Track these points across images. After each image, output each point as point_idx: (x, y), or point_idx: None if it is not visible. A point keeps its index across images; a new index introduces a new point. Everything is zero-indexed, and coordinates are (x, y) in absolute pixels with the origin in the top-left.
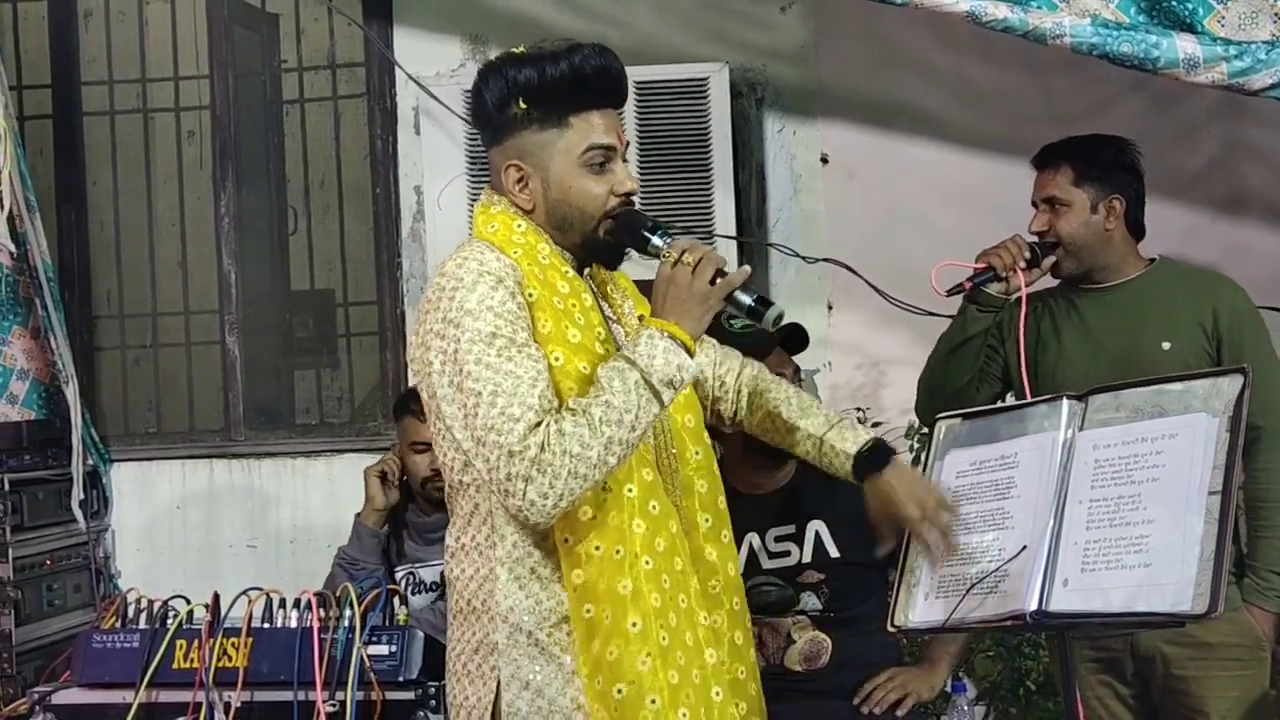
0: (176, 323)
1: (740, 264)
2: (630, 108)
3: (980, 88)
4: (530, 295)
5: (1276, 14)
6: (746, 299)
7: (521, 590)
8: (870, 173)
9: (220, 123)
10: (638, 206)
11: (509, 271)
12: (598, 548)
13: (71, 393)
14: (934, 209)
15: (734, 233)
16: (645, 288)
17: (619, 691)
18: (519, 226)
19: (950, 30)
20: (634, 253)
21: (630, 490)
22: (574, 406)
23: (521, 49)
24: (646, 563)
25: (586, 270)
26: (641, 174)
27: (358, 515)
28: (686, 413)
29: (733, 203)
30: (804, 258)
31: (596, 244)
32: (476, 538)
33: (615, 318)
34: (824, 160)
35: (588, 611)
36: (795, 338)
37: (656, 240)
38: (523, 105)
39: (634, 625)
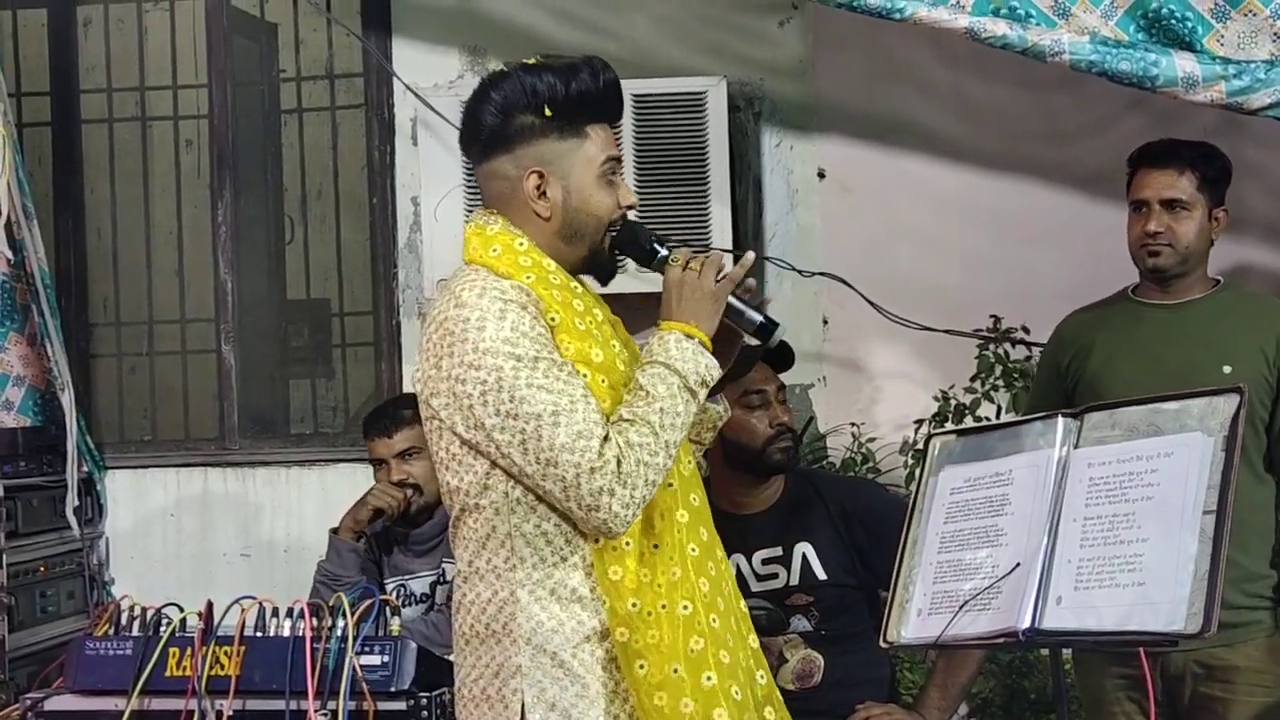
0: (173, 331)
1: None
2: (628, 121)
3: (978, 104)
4: (553, 320)
5: (1276, 33)
6: (756, 317)
7: (544, 611)
8: (867, 188)
9: (218, 132)
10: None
11: (528, 298)
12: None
13: (67, 400)
14: (931, 224)
15: (730, 246)
16: (626, 299)
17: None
18: (520, 245)
19: (949, 46)
20: (631, 266)
21: (683, 516)
22: (630, 416)
23: (534, 59)
24: (703, 584)
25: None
26: (639, 187)
27: (333, 531)
28: None
29: (729, 216)
30: (800, 271)
31: (600, 256)
32: (494, 561)
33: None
34: (821, 175)
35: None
36: (780, 354)
37: (664, 251)
38: (548, 112)
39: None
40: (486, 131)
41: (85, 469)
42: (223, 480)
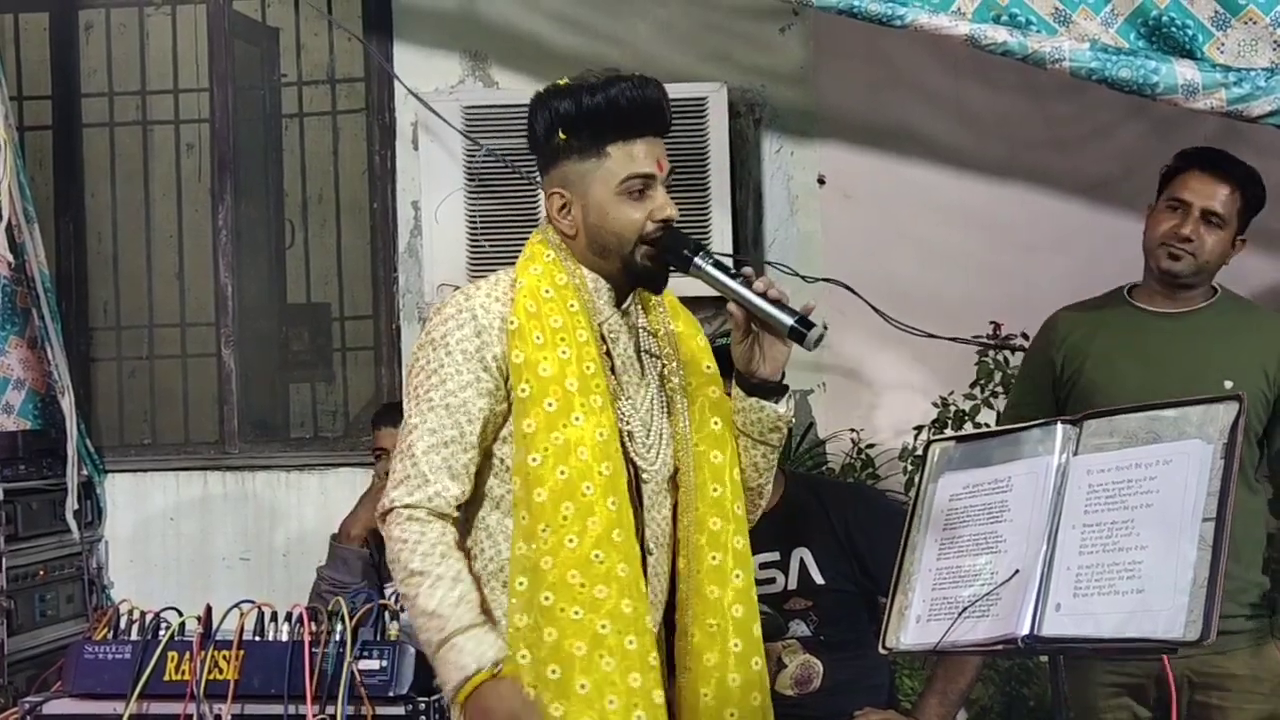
0: (173, 335)
1: None
2: None
3: (979, 111)
4: (511, 324)
5: (1276, 41)
6: (787, 319)
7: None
8: (867, 194)
9: (219, 136)
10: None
11: (488, 309)
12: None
13: (67, 403)
14: (931, 231)
15: (731, 252)
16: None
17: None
18: (547, 256)
19: (949, 53)
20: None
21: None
22: (424, 552)
23: (565, 80)
24: (576, 614)
25: (630, 297)
26: None
27: (334, 538)
28: (715, 449)
29: (730, 222)
30: (803, 277)
31: (635, 268)
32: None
33: (653, 350)
34: (821, 181)
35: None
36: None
37: (697, 259)
38: (563, 136)
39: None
40: (534, 153)
41: (85, 472)
42: (222, 484)
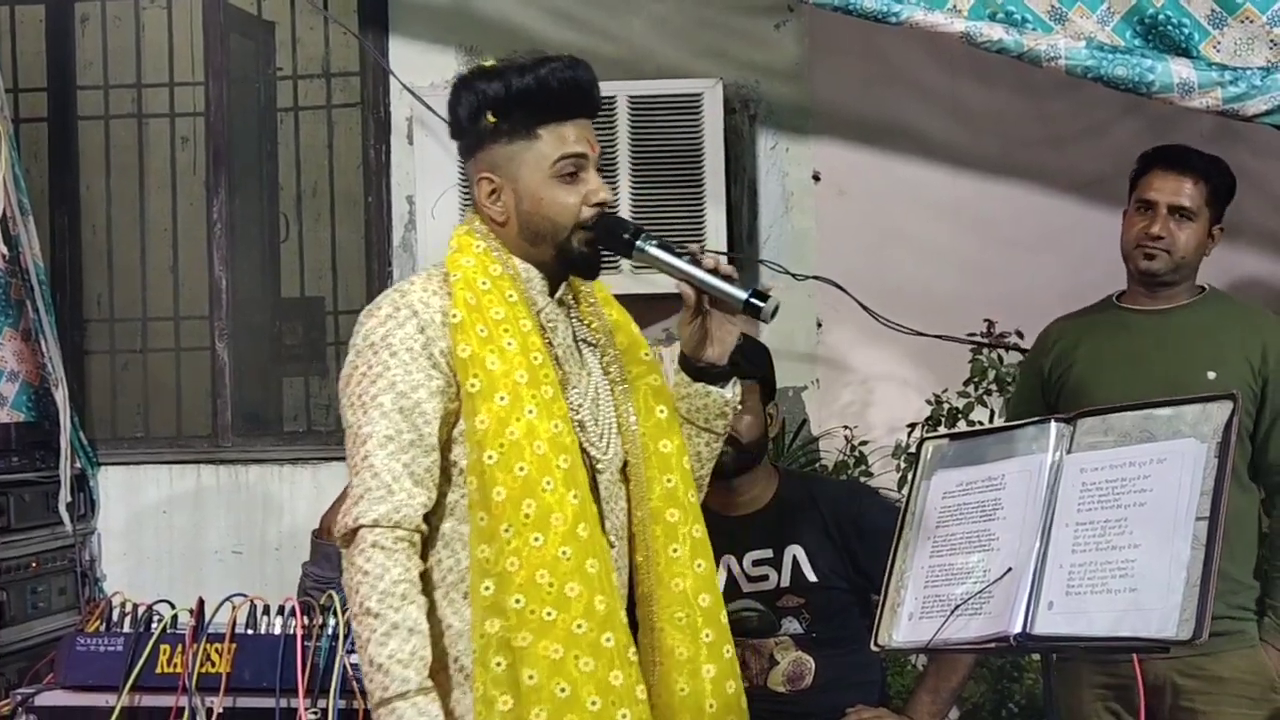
0: (166, 328)
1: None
2: (623, 122)
3: (974, 108)
4: (454, 317)
5: (1272, 40)
6: (741, 293)
7: (455, 616)
8: (862, 191)
9: (214, 129)
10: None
11: (427, 304)
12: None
13: (61, 395)
14: (925, 228)
15: (725, 249)
16: (624, 300)
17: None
18: (477, 247)
19: (945, 50)
20: (624, 266)
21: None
22: (370, 605)
23: (491, 61)
24: (548, 614)
25: (563, 286)
26: (634, 188)
27: (315, 533)
28: (663, 438)
29: (724, 219)
30: (794, 275)
31: (571, 255)
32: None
33: (590, 339)
34: (816, 178)
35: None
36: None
37: (639, 242)
38: (491, 119)
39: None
40: (456, 138)
41: (78, 465)
42: (215, 477)
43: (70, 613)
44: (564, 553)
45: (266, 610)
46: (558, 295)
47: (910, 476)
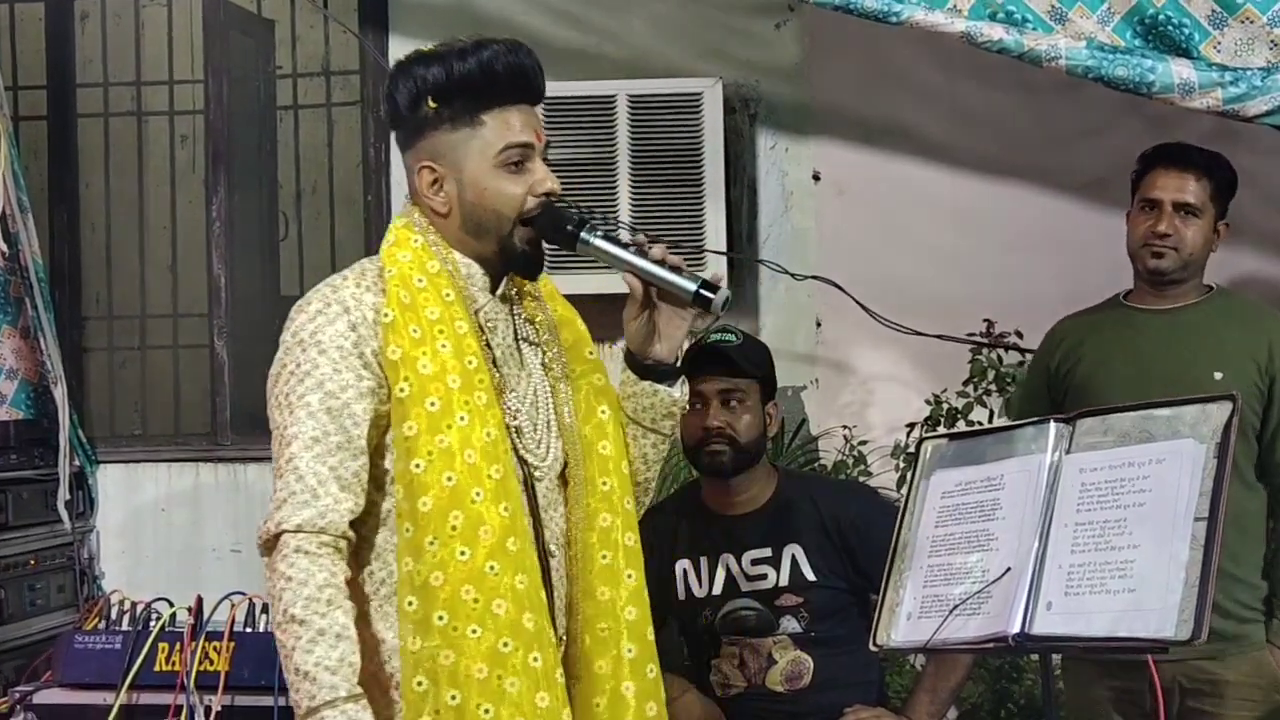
0: (165, 325)
1: (731, 281)
2: (623, 122)
3: (974, 108)
4: (386, 317)
5: (1272, 41)
6: (690, 285)
7: (389, 630)
8: (862, 191)
9: (214, 127)
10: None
11: (359, 300)
12: (441, 617)
13: (59, 393)
14: (925, 228)
15: (725, 248)
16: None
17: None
18: (414, 242)
19: (945, 50)
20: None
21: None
22: (308, 596)
23: (431, 46)
24: (473, 631)
25: (505, 280)
26: (633, 188)
27: None
28: (603, 439)
29: (724, 218)
30: (794, 275)
31: (513, 253)
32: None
33: (532, 337)
34: (816, 177)
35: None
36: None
37: (584, 234)
38: (432, 105)
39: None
40: (396, 125)
41: (76, 463)
42: (214, 475)
43: (68, 610)
44: (491, 567)
45: (265, 608)
46: (500, 291)
47: (909, 476)
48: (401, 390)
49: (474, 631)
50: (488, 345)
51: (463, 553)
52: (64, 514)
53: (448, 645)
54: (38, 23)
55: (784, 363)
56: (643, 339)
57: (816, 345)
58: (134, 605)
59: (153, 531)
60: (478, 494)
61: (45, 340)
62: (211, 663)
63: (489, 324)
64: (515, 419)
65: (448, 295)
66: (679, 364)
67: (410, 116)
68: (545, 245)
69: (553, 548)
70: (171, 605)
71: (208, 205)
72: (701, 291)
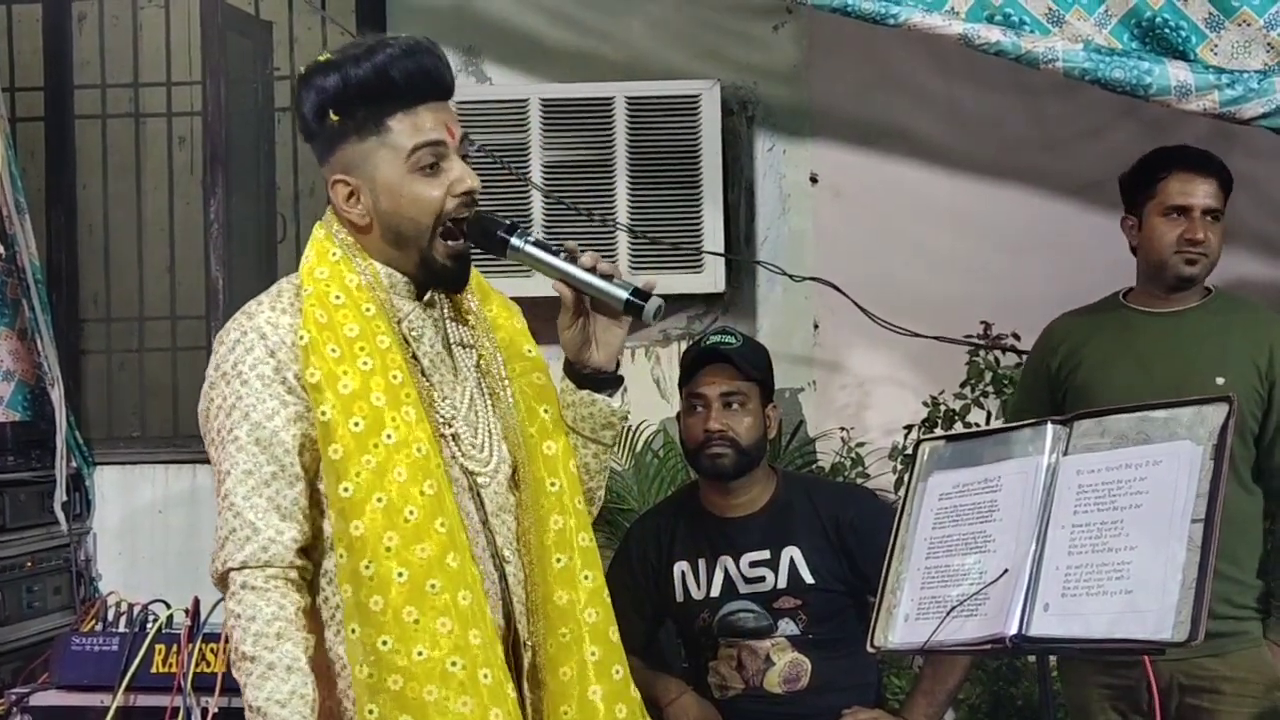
0: (163, 327)
1: (728, 283)
2: (621, 123)
3: (971, 110)
4: (301, 339)
5: (1269, 44)
6: (621, 293)
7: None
8: (859, 193)
9: (212, 129)
10: (485, 210)
11: (275, 325)
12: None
13: (56, 395)
14: (922, 230)
15: (722, 250)
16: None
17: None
18: (333, 255)
19: (942, 52)
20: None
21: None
22: (256, 632)
23: (327, 55)
24: (419, 653)
25: (429, 292)
26: (631, 190)
27: None
28: (548, 439)
29: (722, 220)
30: (791, 276)
31: (433, 267)
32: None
33: (464, 340)
34: (813, 180)
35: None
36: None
37: (515, 240)
38: (334, 117)
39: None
40: (309, 139)
41: (73, 464)
42: (211, 477)
43: (65, 612)
44: (432, 585)
45: None
46: (425, 298)
47: (906, 478)
48: (324, 414)
49: (420, 653)
50: (414, 356)
51: (400, 574)
52: (61, 516)
53: (393, 671)
54: (35, 24)
55: (781, 364)
56: (578, 347)
57: (814, 347)
58: (131, 607)
59: (150, 533)
60: (411, 512)
61: (42, 342)
62: (208, 664)
63: (413, 333)
64: (450, 426)
65: (368, 310)
66: (619, 371)
67: (319, 130)
68: (473, 251)
69: (507, 553)
70: (169, 607)
71: (205, 207)
72: (632, 299)
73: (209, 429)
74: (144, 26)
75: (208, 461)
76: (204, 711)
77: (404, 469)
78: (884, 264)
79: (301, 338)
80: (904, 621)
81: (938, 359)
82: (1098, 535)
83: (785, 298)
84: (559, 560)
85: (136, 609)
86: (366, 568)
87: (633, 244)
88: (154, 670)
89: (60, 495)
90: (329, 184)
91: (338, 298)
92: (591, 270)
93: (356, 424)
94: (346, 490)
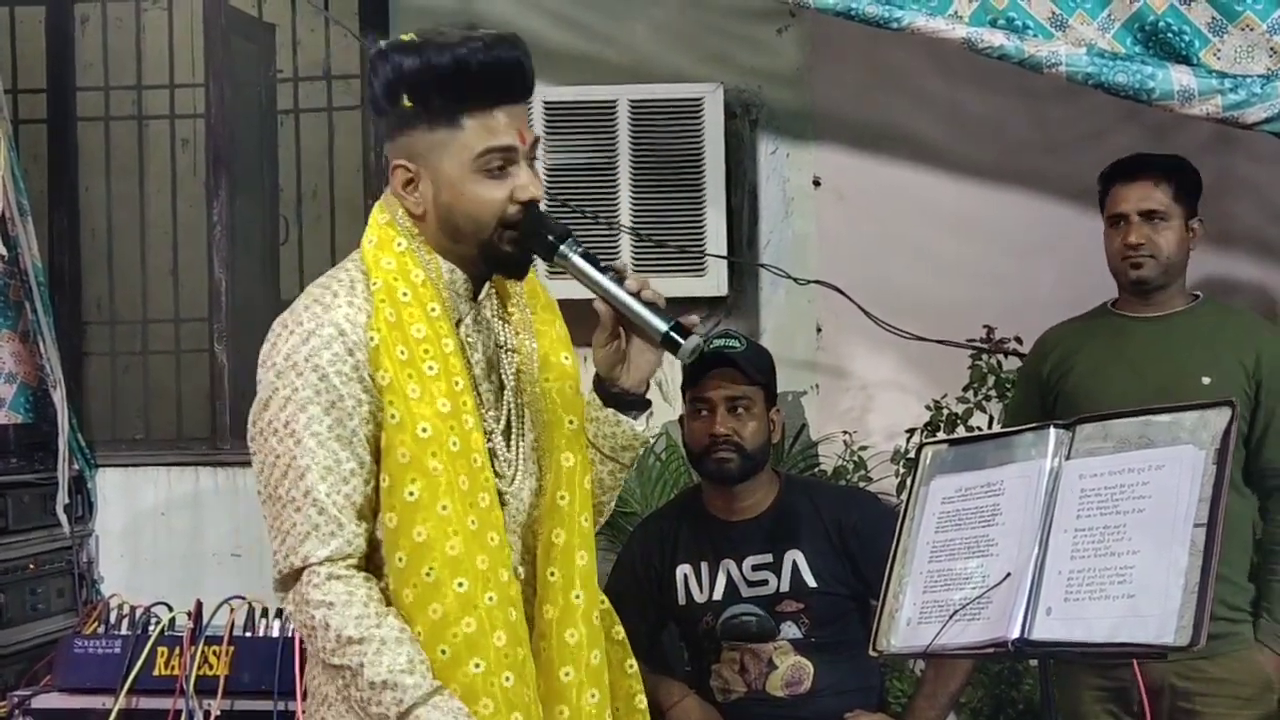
0: (166, 330)
1: (731, 287)
2: (624, 127)
3: (974, 114)
4: (372, 340)
5: (1272, 48)
6: (661, 325)
7: None
8: (862, 196)
9: (214, 131)
10: (546, 210)
11: (353, 321)
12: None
13: (59, 397)
14: (925, 234)
15: (725, 253)
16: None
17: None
18: (398, 245)
19: (945, 56)
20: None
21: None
22: (358, 615)
23: (411, 35)
24: (476, 666)
25: (486, 286)
26: (634, 193)
27: None
28: (567, 450)
29: (725, 223)
30: (794, 279)
31: (496, 254)
32: None
33: (509, 344)
34: (816, 183)
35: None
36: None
37: (563, 247)
38: (407, 102)
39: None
40: (378, 114)
41: (76, 467)
42: (214, 480)
43: (68, 615)
44: (490, 598)
45: (265, 613)
46: (481, 297)
47: (909, 482)
48: (393, 417)
49: (477, 666)
50: (468, 364)
51: (460, 584)
52: (63, 518)
53: (451, 683)
54: (38, 26)
55: (784, 368)
56: (610, 365)
57: (817, 350)
58: (133, 609)
59: (152, 536)
60: (473, 523)
61: (44, 344)
62: (211, 667)
63: (469, 339)
64: (490, 440)
65: (433, 310)
66: (646, 396)
67: (388, 109)
68: None
69: (520, 569)
70: (171, 610)
71: (208, 209)
72: (671, 334)
73: (273, 418)
74: (147, 28)
75: (210, 464)
76: (206, 714)
77: (465, 478)
78: (886, 267)
79: (372, 339)
80: (906, 625)
81: (940, 362)
82: (1100, 539)
83: (788, 301)
84: (551, 574)
85: (139, 611)
86: (428, 574)
87: (636, 247)
88: (156, 673)
89: (62, 498)
90: (390, 167)
91: (405, 294)
92: (635, 295)
93: (424, 429)
94: (412, 495)
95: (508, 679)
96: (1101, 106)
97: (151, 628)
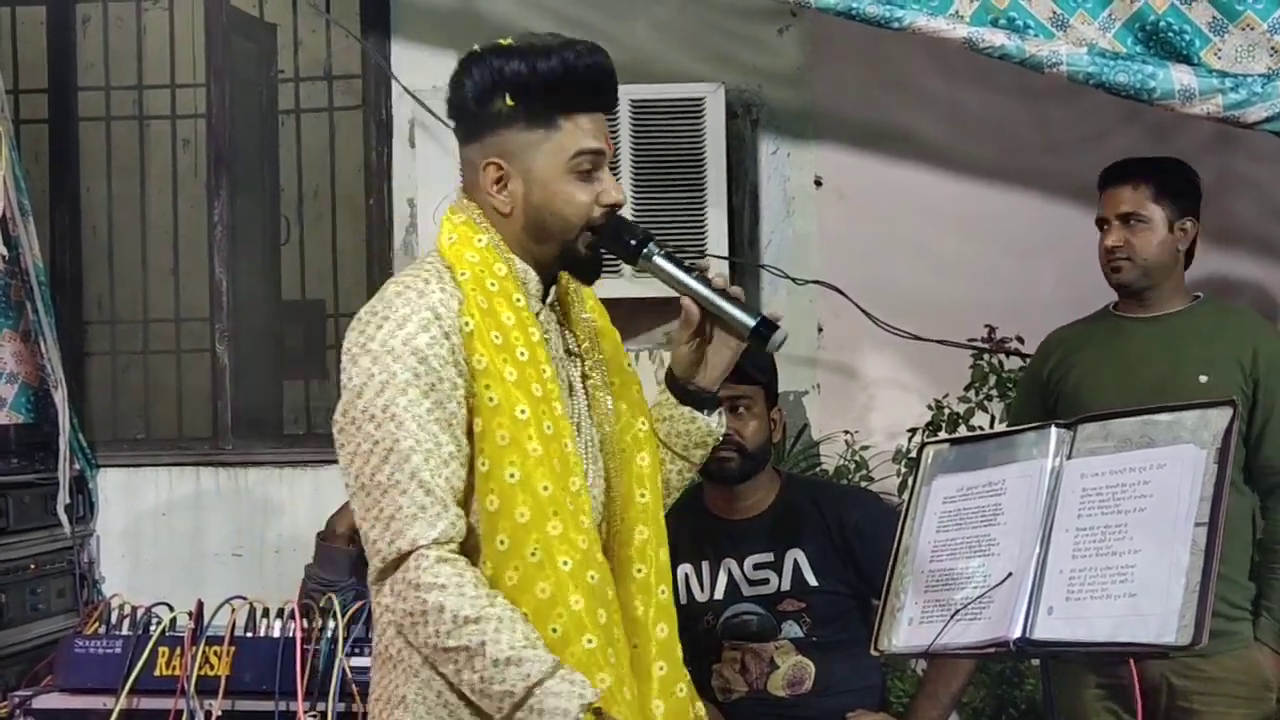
0: (167, 329)
1: (733, 283)
2: (625, 126)
3: (975, 114)
4: (466, 325)
5: (1273, 48)
6: (749, 320)
7: None
8: (863, 196)
9: (215, 131)
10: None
11: (447, 307)
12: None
13: (60, 397)
14: (926, 234)
15: (726, 253)
16: (624, 304)
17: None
18: (479, 241)
19: (946, 56)
20: (625, 270)
21: (566, 564)
22: (472, 596)
23: (509, 40)
24: (589, 641)
25: (552, 290)
26: (635, 192)
27: (320, 536)
28: (640, 451)
29: (726, 223)
30: (795, 279)
31: (574, 256)
32: None
33: (574, 348)
34: (817, 183)
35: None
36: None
37: (648, 249)
38: (509, 102)
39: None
40: (458, 117)
41: (77, 467)
42: (215, 480)
43: (69, 615)
44: (592, 576)
45: (266, 613)
46: (549, 300)
47: (910, 481)
48: (491, 400)
49: (589, 641)
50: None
51: (565, 563)
52: (64, 518)
53: (566, 659)
54: (39, 26)
55: (785, 368)
56: (689, 364)
57: (818, 350)
58: (134, 610)
59: (153, 536)
60: (570, 503)
61: (46, 344)
62: (212, 667)
63: (546, 335)
64: None
65: (517, 300)
66: (719, 393)
67: (479, 110)
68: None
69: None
70: (172, 610)
71: (209, 209)
72: (759, 328)
73: (372, 401)
74: (148, 29)
75: (211, 464)
76: (207, 714)
77: (558, 461)
78: (888, 267)
79: (467, 324)
80: (908, 625)
81: (942, 362)
82: (1101, 539)
83: (789, 301)
84: (639, 570)
85: (140, 611)
86: (533, 554)
87: None
88: (157, 673)
89: (63, 498)
90: (478, 165)
91: (492, 285)
92: (722, 293)
93: (522, 411)
94: (513, 476)
95: (612, 657)
96: (1102, 106)
97: (152, 628)
